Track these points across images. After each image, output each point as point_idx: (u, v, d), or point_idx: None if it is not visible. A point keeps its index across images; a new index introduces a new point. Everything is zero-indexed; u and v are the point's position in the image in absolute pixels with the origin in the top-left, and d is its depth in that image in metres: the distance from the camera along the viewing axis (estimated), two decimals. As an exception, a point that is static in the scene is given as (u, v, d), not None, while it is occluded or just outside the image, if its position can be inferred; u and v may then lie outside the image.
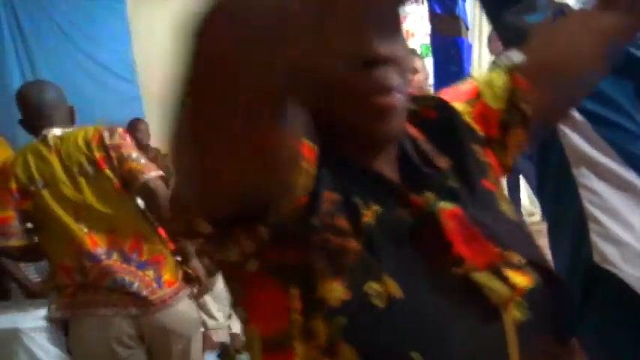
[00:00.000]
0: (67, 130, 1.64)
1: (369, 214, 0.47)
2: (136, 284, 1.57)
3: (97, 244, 1.58)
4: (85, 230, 1.58)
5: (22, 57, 3.93)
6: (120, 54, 4.13)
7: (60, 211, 1.58)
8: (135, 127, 3.94)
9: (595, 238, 0.94)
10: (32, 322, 1.47)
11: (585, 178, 0.96)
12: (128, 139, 1.65)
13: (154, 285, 1.59)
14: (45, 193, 1.59)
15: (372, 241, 0.46)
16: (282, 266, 0.46)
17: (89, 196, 1.59)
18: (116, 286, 1.56)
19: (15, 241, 1.58)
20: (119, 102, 3.98)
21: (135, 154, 1.61)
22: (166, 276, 1.63)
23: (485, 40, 4.34)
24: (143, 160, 1.62)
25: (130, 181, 1.59)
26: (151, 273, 1.60)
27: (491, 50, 4.33)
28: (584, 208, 0.96)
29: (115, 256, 1.58)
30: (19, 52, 3.93)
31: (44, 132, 1.63)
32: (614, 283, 0.91)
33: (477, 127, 0.60)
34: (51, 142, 1.61)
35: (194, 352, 1.76)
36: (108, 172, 1.58)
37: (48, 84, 1.74)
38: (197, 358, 1.78)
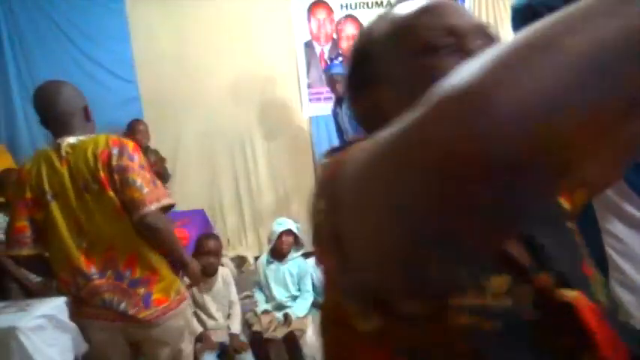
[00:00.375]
0: (81, 137, 1.64)
1: (500, 287, 0.45)
2: (123, 305, 1.62)
3: (91, 263, 1.61)
4: (85, 245, 1.61)
5: (20, 56, 3.92)
6: (119, 53, 4.11)
7: (63, 226, 1.61)
8: (134, 129, 3.95)
9: (615, 286, 0.93)
10: (30, 322, 1.47)
11: (609, 222, 0.94)
12: (137, 157, 1.62)
13: (142, 304, 1.63)
14: (53, 205, 1.61)
15: (505, 320, 0.43)
16: (408, 345, 0.44)
17: (92, 212, 1.60)
18: (104, 305, 1.62)
19: (27, 251, 1.62)
20: (118, 102, 3.97)
21: (139, 180, 1.58)
22: (157, 294, 1.66)
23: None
24: (146, 189, 1.59)
25: (129, 210, 1.59)
26: (141, 291, 1.64)
27: None
28: (606, 254, 0.94)
29: (108, 273, 1.62)
30: (17, 52, 3.92)
31: (59, 140, 1.63)
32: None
33: (562, 200, 0.57)
34: (63, 152, 1.62)
35: (184, 356, 1.80)
36: (110, 193, 1.58)
37: (62, 86, 1.68)
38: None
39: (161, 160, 4.03)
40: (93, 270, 1.61)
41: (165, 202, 1.63)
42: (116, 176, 1.57)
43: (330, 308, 0.50)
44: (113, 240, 1.61)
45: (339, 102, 4.16)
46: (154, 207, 1.58)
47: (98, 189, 1.58)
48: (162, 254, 1.70)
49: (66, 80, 1.75)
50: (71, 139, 1.63)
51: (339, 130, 4.24)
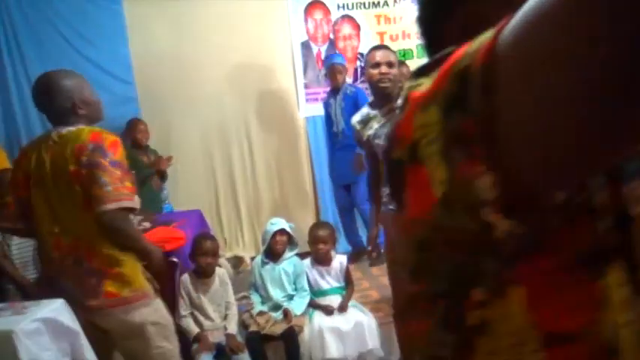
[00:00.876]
0: (70, 128, 1.69)
1: None
2: (76, 290, 1.69)
3: (57, 248, 1.71)
4: (56, 231, 1.70)
5: (17, 57, 3.91)
6: (116, 54, 4.11)
7: (40, 210, 1.71)
8: (135, 128, 3.96)
9: None
10: (27, 326, 1.46)
11: None
12: (111, 154, 1.61)
13: (91, 294, 1.69)
14: (34, 190, 1.72)
15: None
16: (594, 252, 0.40)
17: (65, 202, 1.67)
18: (62, 288, 1.71)
19: (10, 224, 1.83)
20: (116, 103, 3.95)
21: (105, 178, 1.59)
22: (108, 287, 1.69)
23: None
24: (109, 187, 1.59)
25: (92, 205, 1.61)
26: (93, 280, 1.69)
27: None
28: None
29: (70, 260, 1.69)
30: (14, 53, 3.91)
31: (53, 129, 1.72)
32: None
33: None
34: (50, 142, 1.70)
35: (169, 356, 1.82)
36: (77, 186, 1.62)
37: (57, 78, 1.71)
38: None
39: (160, 160, 4.03)
40: (57, 254, 1.70)
41: (125, 204, 1.62)
42: (84, 171, 1.59)
43: (440, 227, 0.43)
44: (79, 230, 1.66)
45: (334, 92, 4.16)
46: (113, 206, 1.59)
47: (68, 181, 1.63)
48: (122, 249, 1.72)
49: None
50: (62, 130, 1.69)
51: (329, 121, 4.22)
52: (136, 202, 1.67)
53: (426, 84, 0.44)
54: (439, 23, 0.57)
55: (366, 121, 2.27)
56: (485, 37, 0.37)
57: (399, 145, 0.46)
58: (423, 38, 0.62)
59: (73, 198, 1.64)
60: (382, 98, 2.23)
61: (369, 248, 2.55)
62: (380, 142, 2.18)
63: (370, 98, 2.43)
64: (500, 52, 0.34)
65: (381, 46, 2.46)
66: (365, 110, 2.32)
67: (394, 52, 2.38)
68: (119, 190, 1.60)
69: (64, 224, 1.68)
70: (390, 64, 2.19)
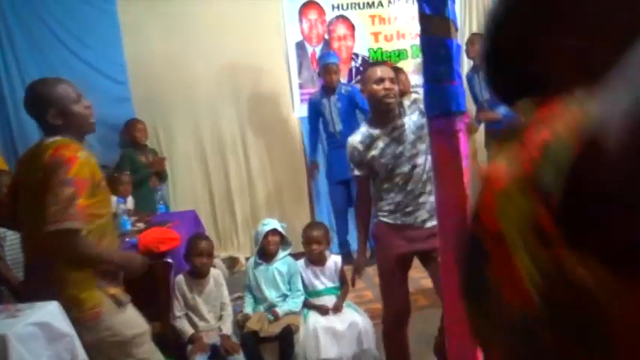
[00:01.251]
0: (49, 140, 1.69)
1: None
2: (42, 297, 1.68)
3: (28, 251, 1.79)
4: (28, 240, 1.78)
5: (11, 59, 3.90)
6: (110, 55, 4.10)
7: (22, 214, 1.76)
8: (133, 127, 3.96)
9: None
10: (21, 329, 1.43)
11: None
12: (63, 172, 1.56)
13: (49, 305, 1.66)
14: (20, 194, 1.77)
15: None
16: None
17: (32, 215, 1.66)
18: (36, 293, 1.69)
19: (6, 222, 2.00)
20: (110, 103, 3.94)
21: (50, 197, 1.54)
22: (61, 302, 1.64)
23: (475, 41, 4.37)
24: (54, 208, 1.53)
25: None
26: (49, 294, 1.64)
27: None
28: None
29: (36, 267, 1.74)
30: (7, 54, 3.89)
31: (41, 139, 1.74)
32: None
33: None
34: (36, 150, 1.72)
35: None
36: (37, 202, 1.59)
37: (36, 88, 1.71)
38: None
39: (160, 160, 4.03)
40: (29, 260, 1.79)
41: (67, 225, 1.53)
42: (39, 187, 1.58)
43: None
44: (43, 240, 1.60)
45: (326, 92, 4.14)
46: (52, 227, 1.52)
47: (33, 194, 1.63)
48: (77, 268, 1.68)
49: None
50: (45, 140, 1.70)
51: (318, 119, 4.20)
52: (81, 223, 1.57)
53: (506, 158, 0.43)
54: (517, 62, 0.53)
55: (369, 142, 2.17)
56: (573, 115, 0.36)
57: (481, 229, 0.45)
58: (488, 74, 0.58)
59: (36, 212, 1.60)
60: (385, 115, 2.15)
61: (352, 277, 2.44)
62: (384, 161, 2.14)
63: (369, 116, 2.33)
64: (599, 144, 0.33)
65: (380, 63, 2.45)
66: (365, 130, 2.21)
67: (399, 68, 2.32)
68: (64, 210, 1.53)
69: (33, 236, 1.69)
70: (392, 80, 2.13)
